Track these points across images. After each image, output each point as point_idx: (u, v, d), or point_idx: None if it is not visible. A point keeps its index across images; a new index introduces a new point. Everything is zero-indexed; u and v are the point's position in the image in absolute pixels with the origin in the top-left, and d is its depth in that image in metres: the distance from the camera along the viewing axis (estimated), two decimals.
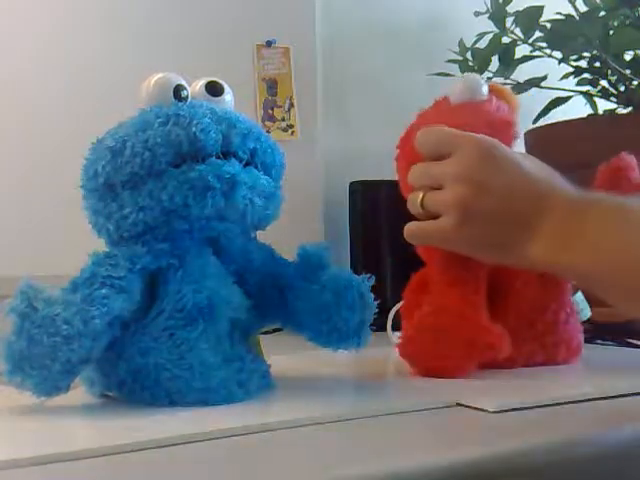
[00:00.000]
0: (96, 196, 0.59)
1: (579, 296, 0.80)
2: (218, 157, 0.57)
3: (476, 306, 0.66)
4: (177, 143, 0.56)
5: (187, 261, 0.58)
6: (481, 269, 0.67)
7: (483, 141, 0.61)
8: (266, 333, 0.82)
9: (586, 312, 0.84)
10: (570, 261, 0.55)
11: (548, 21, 1.13)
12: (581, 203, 0.57)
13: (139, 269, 0.56)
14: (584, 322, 0.78)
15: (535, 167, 0.60)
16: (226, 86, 0.62)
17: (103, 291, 0.54)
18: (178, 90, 0.59)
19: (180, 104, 0.58)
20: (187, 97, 0.59)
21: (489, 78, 1.14)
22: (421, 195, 0.63)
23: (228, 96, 0.61)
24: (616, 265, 0.52)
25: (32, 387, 0.53)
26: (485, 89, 0.71)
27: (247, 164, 0.59)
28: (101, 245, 0.61)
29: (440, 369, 0.65)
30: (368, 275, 0.62)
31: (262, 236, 0.66)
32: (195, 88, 0.61)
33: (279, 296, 0.63)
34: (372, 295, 0.62)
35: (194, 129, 0.56)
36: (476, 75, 0.74)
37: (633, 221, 0.53)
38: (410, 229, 0.64)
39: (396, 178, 0.73)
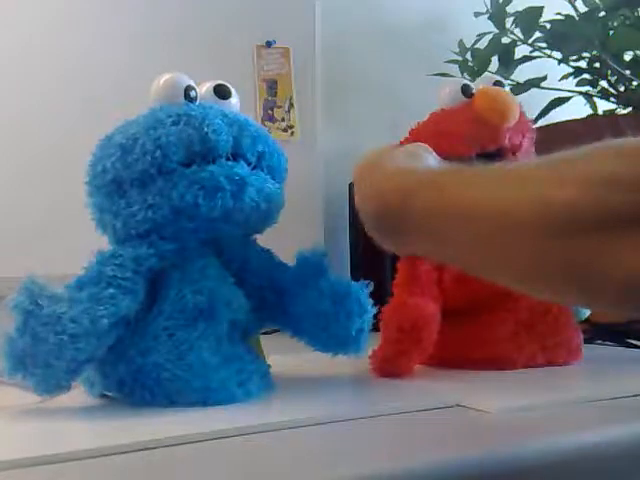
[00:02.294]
0: (103, 193, 0.58)
1: None
2: (227, 159, 0.58)
3: (416, 296, 0.67)
4: (188, 142, 0.56)
5: (188, 262, 0.58)
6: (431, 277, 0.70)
7: (360, 165, 0.60)
8: (266, 333, 0.82)
9: (585, 311, 0.84)
10: (410, 246, 0.53)
11: (548, 21, 1.13)
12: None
13: (145, 270, 0.56)
14: (583, 322, 0.78)
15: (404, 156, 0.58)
16: (233, 90, 0.62)
17: (110, 291, 0.54)
18: (188, 91, 0.60)
19: (191, 104, 0.59)
20: (196, 98, 0.60)
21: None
22: None
23: (235, 100, 0.62)
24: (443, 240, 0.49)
25: (34, 385, 0.53)
26: (453, 97, 0.72)
27: (254, 167, 0.59)
28: (100, 244, 0.60)
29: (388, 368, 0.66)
30: (367, 282, 0.62)
31: (263, 236, 0.66)
32: (202, 90, 0.61)
33: (277, 300, 0.63)
34: (370, 301, 0.62)
35: (206, 129, 0.56)
36: (455, 80, 0.75)
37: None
38: None
39: None
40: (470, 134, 0.70)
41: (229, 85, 0.62)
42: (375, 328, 0.66)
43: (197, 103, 0.60)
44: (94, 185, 0.59)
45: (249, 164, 0.59)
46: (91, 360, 0.55)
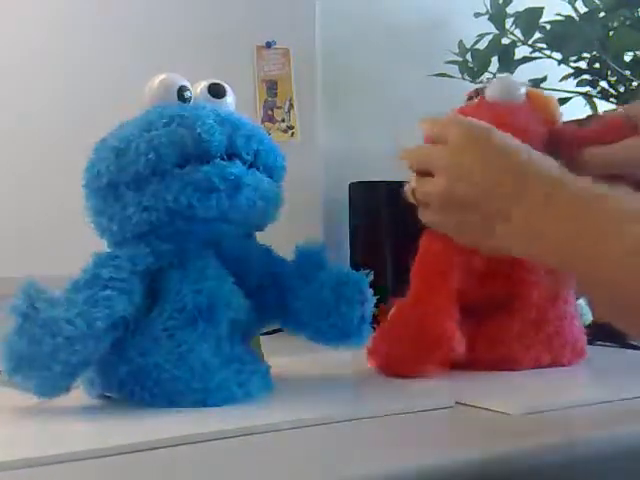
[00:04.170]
0: (99, 196, 0.59)
1: (581, 301, 0.80)
2: (222, 159, 0.57)
3: (441, 308, 0.66)
4: (181, 144, 0.56)
5: (187, 262, 0.58)
6: (453, 279, 0.68)
7: (472, 128, 0.59)
8: (266, 334, 0.82)
9: (587, 317, 0.84)
10: (538, 254, 0.54)
11: (548, 22, 1.13)
12: (555, 189, 0.53)
13: (141, 270, 0.56)
14: (586, 325, 0.78)
15: (530, 155, 0.57)
16: (228, 88, 0.62)
17: (106, 292, 0.54)
18: (182, 91, 0.60)
19: (184, 105, 0.59)
20: (190, 98, 0.60)
21: (488, 79, 1.14)
22: (412, 186, 0.63)
23: (230, 98, 0.62)
24: (580, 260, 0.50)
25: (32, 388, 0.53)
26: (520, 93, 0.71)
27: (250, 166, 0.59)
28: (101, 245, 0.60)
29: (394, 365, 0.66)
30: (367, 271, 0.62)
31: (263, 236, 0.66)
32: (197, 90, 0.61)
33: (278, 296, 0.63)
34: (371, 290, 0.62)
35: (198, 130, 0.56)
36: (512, 77, 0.74)
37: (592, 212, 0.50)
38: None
39: (395, 178, 0.72)
40: (542, 135, 0.69)
41: (224, 84, 0.62)
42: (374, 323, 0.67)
43: (191, 103, 0.60)
44: (90, 189, 0.59)
45: (244, 163, 0.59)
46: (88, 362, 0.55)
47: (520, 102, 0.71)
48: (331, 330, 0.62)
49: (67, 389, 0.55)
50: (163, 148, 0.56)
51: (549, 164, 0.56)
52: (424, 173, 0.61)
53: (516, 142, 0.59)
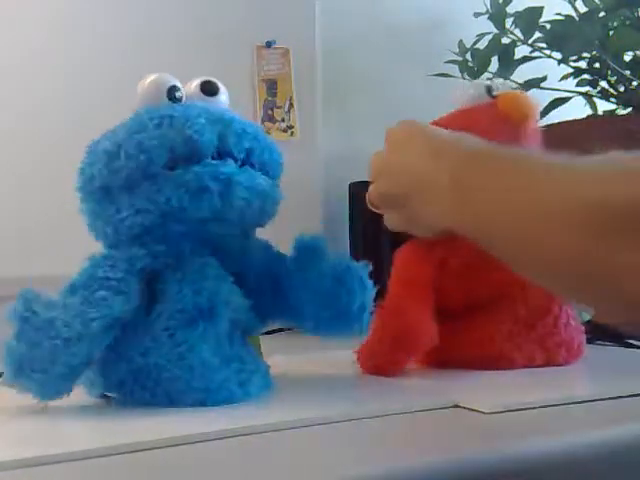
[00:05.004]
0: (93, 199, 0.59)
1: None
2: (213, 158, 0.57)
3: (417, 305, 0.67)
4: (171, 145, 0.56)
5: (186, 262, 0.58)
6: (424, 285, 0.69)
7: (402, 129, 0.62)
8: (266, 333, 0.82)
9: (584, 315, 0.84)
10: (473, 216, 0.52)
11: (548, 22, 1.13)
12: (473, 156, 0.53)
13: (137, 270, 0.56)
14: (584, 323, 0.78)
15: (456, 140, 0.58)
16: (221, 86, 0.61)
17: (102, 293, 0.54)
18: (172, 91, 0.59)
19: (174, 105, 0.58)
20: (181, 98, 0.59)
21: (489, 79, 1.14)
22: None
23: (223, 96, 0.61)
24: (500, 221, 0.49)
25: (34, 390, 0.54)
26: (464, 98, 0.73)
27: (243, 164, 0.59)
28: (98, 245, 0.61)
29: (373, 365, 0.67)
30: (367, 262, 0.63)
31: (262, 236, 0.66)
32: (190, 88, 0.61)
33: (278, 289, 0.63)
34: (370, 280, 0.62)
35: (188, 131, 0.55)
36: (466, 83, 0.76)
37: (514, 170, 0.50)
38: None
39: None
40: (495, 133, 0.70)
41: (217, 81, 0.61)
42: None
43: (182, 103, 0.59)
44: (84, 192, 0.60)
45: (236, 161, 0.58)
46: (87, 363, 0.55)
47: (485, 104, 0.73)
48: (332, 321, 0.61)
49: (68, 390, 0.55)
50: (153, 150, 0.55)
51: (473, 143, 0.55)
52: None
53: (446, 132, 0.60)
